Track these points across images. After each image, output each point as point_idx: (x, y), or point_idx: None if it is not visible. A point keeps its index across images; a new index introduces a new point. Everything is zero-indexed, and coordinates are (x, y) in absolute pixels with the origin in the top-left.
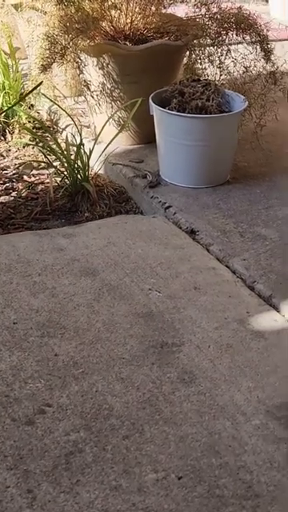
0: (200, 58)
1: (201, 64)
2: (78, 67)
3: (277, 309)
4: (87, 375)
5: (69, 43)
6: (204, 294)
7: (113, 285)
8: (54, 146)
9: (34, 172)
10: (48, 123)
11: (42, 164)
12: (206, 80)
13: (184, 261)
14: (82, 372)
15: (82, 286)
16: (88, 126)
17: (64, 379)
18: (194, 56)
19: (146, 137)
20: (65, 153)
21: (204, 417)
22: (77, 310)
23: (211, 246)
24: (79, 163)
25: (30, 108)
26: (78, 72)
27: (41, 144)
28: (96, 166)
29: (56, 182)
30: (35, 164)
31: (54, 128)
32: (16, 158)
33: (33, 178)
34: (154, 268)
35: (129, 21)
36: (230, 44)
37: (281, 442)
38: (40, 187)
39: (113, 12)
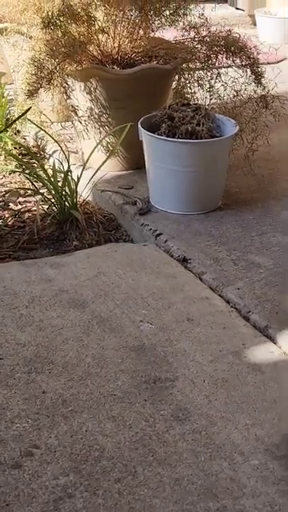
0: (189, 82)
1: (190, 88)
2: (65, 92)
3: (273, 340)
4: (77, 414)
5: (55, 68)
6: (198, 326)
7: (103, 317)
8: (41, 173)
9: (21, 199)
10: (34, 149)
11: (29, 191)
12: (196, 104)
13: (176, 290)
14: (71, 410)
15: (70, 318)
16: (76, 152)
17: (52, 418)
18: (183, 80)
19: (136, 162)
20: (52, 179)
21: (200, 457)
22: (65, 343)
23: (204, 274)
24: (67, 190)
25: (16, 134)
26: (65, 97)
27: (27, 171)
28: (84, 192)
29: (43, 209)
30: (21, 191)
31: (40, 154)
32: (1, 185)
33: (19, 206)
34: (145, 298)
35: (116, 45)
36: (220, 67)
37: (281, 483)
38: (27, 215)
39: (100, 36)
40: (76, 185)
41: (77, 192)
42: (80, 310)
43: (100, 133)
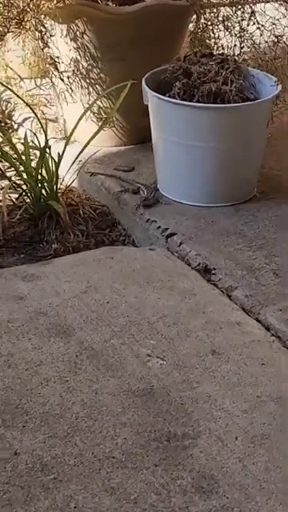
0: (212, 24)
1: (213, 32)
2: (42, 38)
3: None
4: (62, 483)
5: (28, 5)
6: (226, 361)
7: (95, 349)
8: (7, 149)
9: None
10: None
11: None
12: (222, 55)
13: (196, 313)
14: (55, 479)
15: (51, 351)
16: (55, 121)
17: (28, 490)
18: (203, 21)
19: (138, 135)
20: (23, 158)
21: None
22: (44, 386)
23: (234, 290)
24: (44, 173)
25: None
26: (40, 45)
27: None
28: (68, 176)
29: (11, 200)
30: None
31: (5, 123)
32: None
33: None
34: (153, 324)
35: None
36: (255, 3)
37: None
38: None
39: None
40: (56, 166)
41: (57, 176)
42: (64, 340)
43: (89, 94)
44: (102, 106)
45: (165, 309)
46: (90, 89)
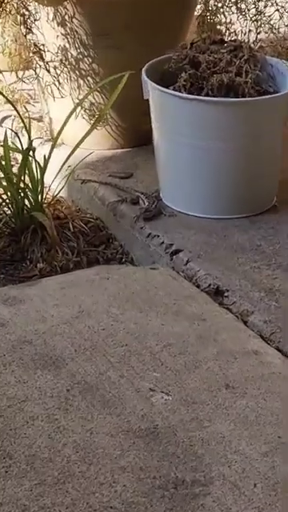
0: (224, 6)
1: (225, 15)
2: (24, 23)
3: None
4: None
5: None
6: (242, 396)
7: (89, 383)
8: None
9: None
10: None
11: None
12: (235, 41)
13: (206, 341)
14: None
15: (37, 385)
16: (40, 119)
17: None
18: (213, 2)
19: (137, 136)
20: (2, 163)
21: None
22: (30, 426)
23: (251, 314)
24: (27, 180)
25: None
26: (23, 31)
27: None
28: (55, 184)
29: None
30: None
31: None
32: None
33: None
34: (156, 354)
35: None
36: None
37: None
38: None
39: None
40: (42, 172)
41: (43, 183)
42: (52, 372)
43: (79, 88)
44: (94, 101)
45: (170, 336)
46: (81, 81)
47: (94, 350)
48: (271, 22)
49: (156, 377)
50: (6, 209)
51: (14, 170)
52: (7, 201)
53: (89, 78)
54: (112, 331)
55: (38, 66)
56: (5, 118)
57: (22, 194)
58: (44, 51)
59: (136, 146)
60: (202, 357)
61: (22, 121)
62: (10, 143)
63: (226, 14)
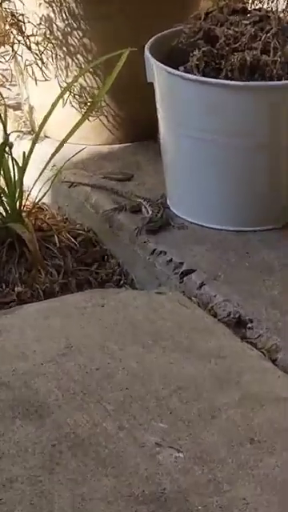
0: None
1: None
2: None
3: None
4: None
5: None
6: (270, 453)
7: (80, 436)
8: None
9: None
10: None
11: None
12: (260, 11)
13: (226, 383)
14: None
15: (16, 438)
16: (18, 107)
17: None
18: None
19: (138, 128)
20: None
21: None
22: (8, 489)
23: (280, 351)
24: (2, 184)
25: None
26: None
27: None
28: (37, 188)
29: None
30: None
31: None
32: None
33: None
34: (164, 399)
35: None
36: None
37: None
38: None
39: None
40: (20, 173)
41: (22, 187)
42: (35, 423)
43: (67, 68)
44: (86, 85)
45: (180, 378)
46: (69, 60)
47: (86, 394)
48: None
49: (163, 428)
50: None
51: None
52: None
53: (79, 56)
54: (108, 371)
55: (15, 40)
56: None
57: None
58: (23, 22)
59: (137, 140)
60: (220, 404)
61: None
62: None
63: None
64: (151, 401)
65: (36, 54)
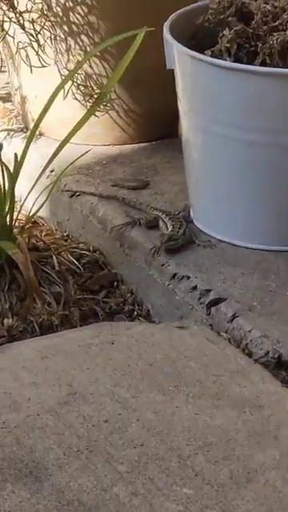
0: None
1: None
2: None
3: None
4: None
5: None
6: None
7: (86, 504)
8: None
9: None
10: None
11: None
12: None
13: (264, 439)
14: None
15: (7, 506)
16: (9, 98)
17: None
18: None
19: (156, 125)
20: None
21: None
22: None
23: None
24: None
25: None
26: None
27: None
28: (32, 198)
29: None
30: None
31: None
32: None
33: None
34: (188, 459)
35: None
36: None
37: None
38: None
39: None
40: (12, 180)
41: (13, 197)
42: (30, 487)
43: (69, 52)
44: (92, 72)
45: (208, 432)
46: (71, 42)
47: (93, 452)
48: None
49: (188, 494)
50: None
51: None
52: None
53: (83, 36)
54: (120, 424)
55: (6, 18)
56: None
57: None
58: None
59: (154, 139)
60: (257, 464)
61: None
62: None
63: None
64: (172, 460)
65: (31, 35)
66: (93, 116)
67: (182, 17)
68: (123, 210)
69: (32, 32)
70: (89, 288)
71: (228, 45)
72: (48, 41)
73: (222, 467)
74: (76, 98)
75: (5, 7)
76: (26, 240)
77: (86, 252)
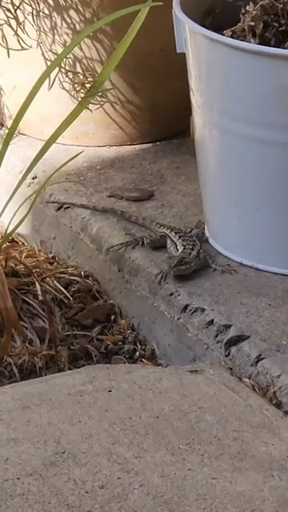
0: None
1: None
2: None
3: None
4: None
5: None
6: None
7: None
8: None
9: None
10: None
11: None
12: None
13: None
14: None
15: None
16: None
17: None
18: None
19: (162, 121)
20: None
21: None
22: None
23: None
24: None
25: None
26: None
27: None
28: (10, 211)
29: None
30: None
31: None
32: None
33: None
34: None
35: None
36: None
37: None
38: None
39: None
40: None
41: None
42: None
43: (55, 32)
44: (82, 56)
45: (228, 502)
46: (58, 20)
47: None
48: None
49: None
50: None
51: None
52: None
53: (72, 12)
54: (119, 491)
55: None
56: None
57: None
58: None
59: (160, 139)
60: None
61: None
62: None
63: None
64: None
65: (8, 10)
66: (84, 110)
67: None
68: (122, 227)
69: (9, 7)
70: (80, 322)
71: (252, 23)
72: (29, 17)
73: None
74: (64, 88)
75: None
76: (3, 263)
77: (77, 278)
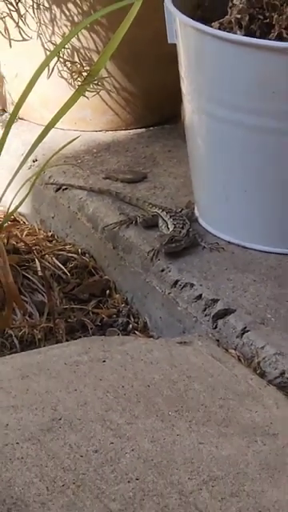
0: None
1: None
2: None
3: None
4: None
5: None
6: None
7: None
8: None
9: None
10: None
11: None
12: None
13: (278, 472)
14: None
15: None
16: None
17: None
18: None
19: (154, 108)
20: None
21: None
22: None
23: None
24: None
25: None
26: None
27: None
28: (11, 193)
29: None
30: None
31: None
32: None
33: None
34: (191, 495)
35: None
36: None
37: None
38: None
39: None
40: None
41: None
42: None
43: (54, 23)
44: (80, 46)
45: (214, 465)
46: (56, 11)
47: (81, 487)
48: None
49: None
50: None
51: None
52: None
53: (70, 5)
54: (112, 455)
55: None
56: None
57: None
58: None
59: (153, 125)
60: (269, 501)
61: None
62: None
63: None
64: (172, 497)
65: (10, 3)
66: (82, 97)
67: None
68: (117, 207)
69: (11, 0)
70: (77, 297)
71: (239, 16)
72: (30, 10)
73: (230, 505)
74: (62, 76)
75: None
76: (5, 241)
77: (74, 255)
